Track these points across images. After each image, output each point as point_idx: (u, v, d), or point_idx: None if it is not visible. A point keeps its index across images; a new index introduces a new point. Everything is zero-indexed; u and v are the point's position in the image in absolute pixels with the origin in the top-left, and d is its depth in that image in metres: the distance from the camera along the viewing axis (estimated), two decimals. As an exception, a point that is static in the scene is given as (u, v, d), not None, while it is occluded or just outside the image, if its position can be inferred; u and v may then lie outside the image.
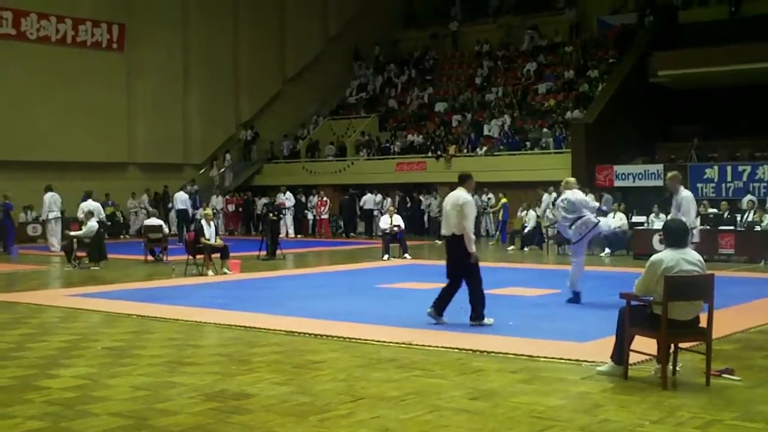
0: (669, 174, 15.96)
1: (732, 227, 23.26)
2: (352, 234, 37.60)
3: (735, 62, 34.07)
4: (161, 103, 40.81)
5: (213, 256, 20.84)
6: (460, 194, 12.37)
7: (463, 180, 12.68)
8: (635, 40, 39.36)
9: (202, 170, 42.96)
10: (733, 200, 28.23)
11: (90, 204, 25.60)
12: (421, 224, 36.53)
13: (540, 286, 17.19)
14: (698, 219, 17.02)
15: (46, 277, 21.60)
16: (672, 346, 8.65)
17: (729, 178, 31.56)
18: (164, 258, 24.22)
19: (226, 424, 7.18)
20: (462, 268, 12.29)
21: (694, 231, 14.71)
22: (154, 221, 25.20)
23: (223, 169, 43.31)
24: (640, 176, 33.47)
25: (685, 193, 15.12)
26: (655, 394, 8.08)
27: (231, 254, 21.34)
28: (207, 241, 20.89)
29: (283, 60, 46.30)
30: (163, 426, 7.16)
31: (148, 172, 40.67)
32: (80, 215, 25.02)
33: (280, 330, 11.97)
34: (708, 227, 23.30)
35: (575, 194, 14.65)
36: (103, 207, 27.77)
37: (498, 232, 32.21)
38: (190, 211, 34.21)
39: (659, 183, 32.85)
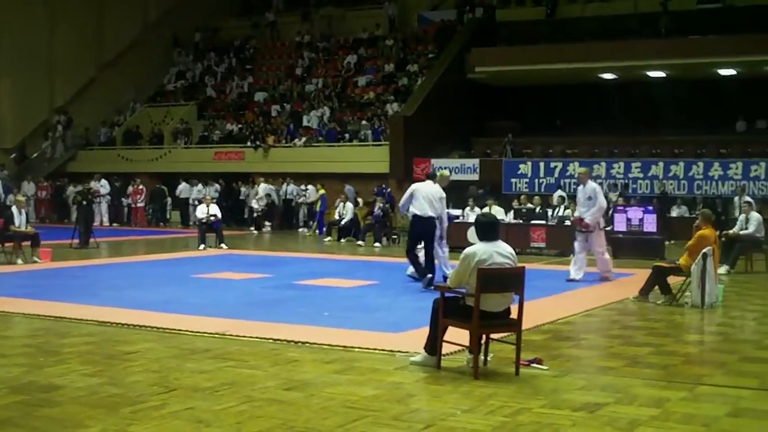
0: (579, 170, 18.43)
1: (543, 222, 23.90)
2: (161, 223, 37.08)
3: (549, 61, 35.09)
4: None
5: (23, 243, 20.22)
6: (438, 187, 15.51)
7: (433, 176, 16.05)
8: (454, 36, 40.05)
9: (13, 155, 41.54)
10: (545, 195, 29.07)
11: None
12: (240, 214, 36.17)
13: (356, 278, 17.30)
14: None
15: None
16: (484, 336, 8.83)
17: (542, 174, 32.56)
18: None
19: (33, 418, 6.97)
20: (430, 243, 15.29)
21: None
22: (-41, 207, 24.31)
23: (49, 143, 42.35)
24: (457, 170, 34.08)
25: (593, 185, 17.25)
26: (466, 384, 8.23)
27: (42, 242, 20.74)
28: (17, 229, 20.24)
29: (101, 44, 45.05)
30: (-34, 420, 6.92)
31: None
32: None
33: (92, 320, 11.67)
34: (521, 221, 23.90)
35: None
36: None
37: (315, 223, 32.28)
38: (2, 196, 33.11)
39: (475, 177, 33.64)
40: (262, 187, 33.97)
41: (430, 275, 15.15)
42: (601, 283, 17.02)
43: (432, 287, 14.19)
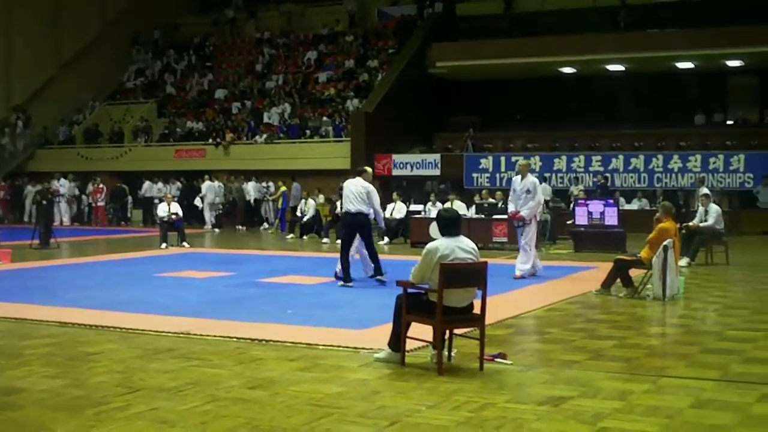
0: (521, 162, 18.23)
1: (505, 216, 23.90)
2: (123, 222, 36.87)
3: (508, 56, 35.22)
4: None
5: (-18, 245, 20.07)
6: (364, 182, 15.67)
7: (361, 172, 15.97)
8: (414, 32, 40.08)
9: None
10: (507, 190, 29.08)
11: None
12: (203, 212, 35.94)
13: (319, 275, 17.26)
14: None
15: None
16: (447, 332, 8.83)
17: (503, 169, 32.67)
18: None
19: (-5, 421, 6.93)
20: (367, 237, 15.77)
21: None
22: None
23: (8, 141, 42.04)
24: (418, 165, 34.21)
25: (532, 178, 17.09)
26: (431, 380, 8.23)
27: (1, 243, 20.55)
28: (-25, 230, 20.10)
29: (59, 42, 44.63)
30: (-74, 424, 6.84)
31: None
32: None
33: (53, 321, 11.57)
34: (483, 216, 23.95)
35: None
36: None
37: (277, 220, 32.21)
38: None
39: (436, 172, 33.73)
40: (206, 185, 33.82)
41: (349, 284, 15.43)
42: (563, 277, 17.11)
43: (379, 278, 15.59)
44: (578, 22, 36.94)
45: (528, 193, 16.75)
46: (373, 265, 15.96)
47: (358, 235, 15.92)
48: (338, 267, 16.08)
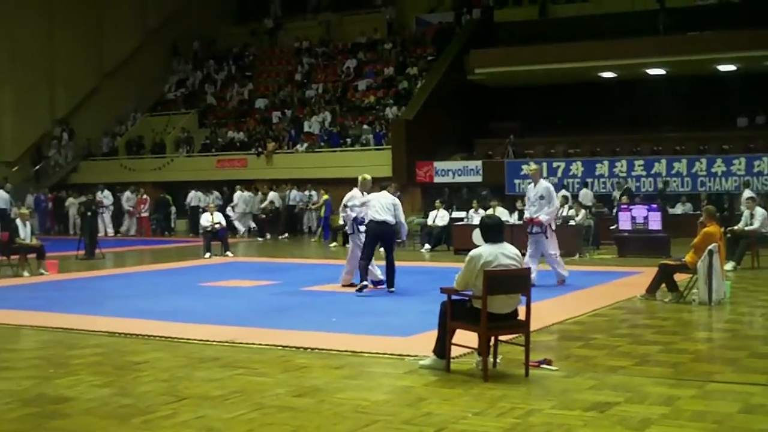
0: (531, 167, 18.42)
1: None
2: (166, 232, 37.05)
3: (545, 62, 35.08)
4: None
5: (29, 256, 20.24)
6: (390, 195, 16.11)
7: (385, 187, 16.60)
8: (453, 38, 40.05)
9: (15, 167, 41.42)
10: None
11: None
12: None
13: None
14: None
15: None
16: (492, 338, 8.82)
17: (545, 174, 32.41)
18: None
19: (44, 430, 6.98)
20: (389, 246, 15.72)
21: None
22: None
23: (55, 152, 42.56)
24: (460, 172, 34.14)
25: (546, 184, 17.08)
26: (476, 387, 8.22)
27: (47, 254, 20.74)
28: (22, 241, 20.26)
29: (101, 54, 44.81)
30: (-23, 434, 6.92)
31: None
32: None
33: (100, 331, 11.68)
34: (524, 222, 23.85)
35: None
36: None
37: (320, 229, 32.25)
38: (9, 209, 33.04)
39: (478, 179, 33.65)
40: (237, 195, 33.94)
41: (364, 282, 15.73)
42: (608, 282, 17.03)
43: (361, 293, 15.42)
44: (616, 27, 36.72)
45: (542, 198, 16.56)
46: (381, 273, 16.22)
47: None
48: (377, 272, 16.29)
